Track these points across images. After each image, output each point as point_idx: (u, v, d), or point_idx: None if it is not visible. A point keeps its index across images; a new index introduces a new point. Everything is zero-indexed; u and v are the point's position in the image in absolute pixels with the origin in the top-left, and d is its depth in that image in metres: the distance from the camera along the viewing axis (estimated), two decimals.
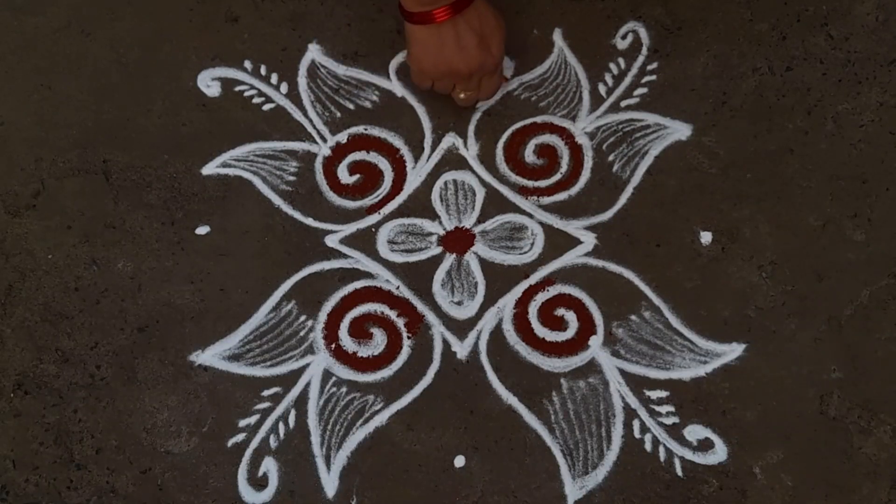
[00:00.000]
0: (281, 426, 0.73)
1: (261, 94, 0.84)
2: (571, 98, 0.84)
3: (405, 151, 0.83)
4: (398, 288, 0.78)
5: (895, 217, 0.79)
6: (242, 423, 0.73)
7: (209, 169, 0.82)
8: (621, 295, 0.77)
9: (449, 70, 0.75)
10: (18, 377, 0.75)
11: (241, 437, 0.72)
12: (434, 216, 0.80)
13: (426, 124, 0.84)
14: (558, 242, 0.79)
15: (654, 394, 0.73)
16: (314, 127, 0.83)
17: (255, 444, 0.72)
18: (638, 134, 0.82)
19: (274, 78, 0.85)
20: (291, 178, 0.82)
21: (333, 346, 0.76)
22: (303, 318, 0.76)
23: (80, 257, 0.78)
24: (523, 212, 0.80)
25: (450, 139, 0.83)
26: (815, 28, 0.86)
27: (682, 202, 0.80)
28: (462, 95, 0.79)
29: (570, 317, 0.76)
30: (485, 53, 0.74)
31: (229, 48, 0.86)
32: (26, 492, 0.71)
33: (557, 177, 0.82)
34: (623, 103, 0.84)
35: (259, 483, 0.71)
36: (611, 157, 0.82)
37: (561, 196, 0.81)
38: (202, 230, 0.80)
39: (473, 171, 0.82)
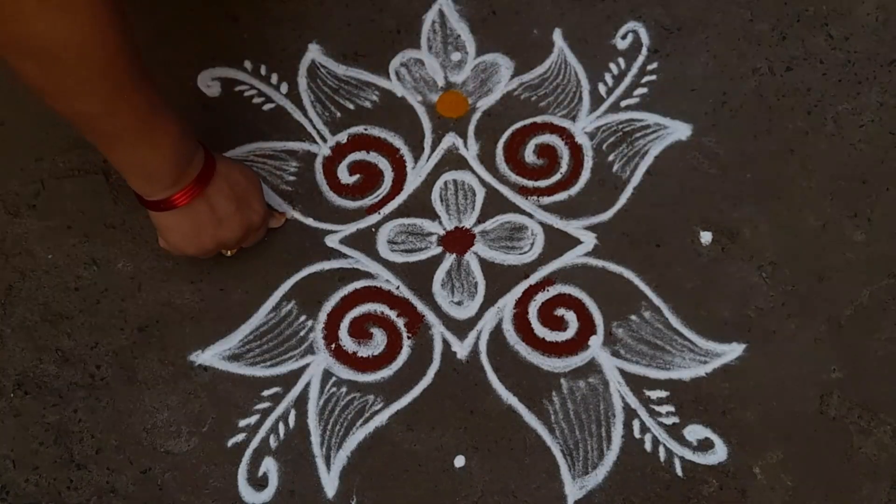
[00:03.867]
0: (281, 426, 0.73)
1: (261, 94, 0.84)
2: (571, 98, 0.84)
3: (405, 151, 0.83)
4: (398, 288, 0.78)
5: (895, 217, 0.79)
6: (242, 423, 0.73)
7: None
8: (621, 295, 0.77)
9: (217, 245, 0.69)
10: (18, 377, 0.75)
11: (241, 437, 0.72)
12: (434, 216, 0.80)
13: (426, 124, 0.84)
14: (558, 242, 0.79)
15: (654, 394, 0.73)
16: (314, 127, 0.83)
17: (255, 444, 0.72)
18: (638, 134, 0.83)
19: (274, 78, 0.85)
20: (291, 178, 0.82)
21: (333, 346, 0.76)
22: (303, 318, 0.76)
23: (80, 257, 0.78)
24: (523, 212, 0.80)
25: (450, 139, 0.83)
26: (815, 28, 0.86)
27: (682, 202, 0.80)
28: (228, 254, 0.75)
29: (570, 317, 0.76)
30: (247, 214, 0.69)
31: (229, 48, 0.86)
32: (26, 492, 0.71)
33: (557, 177, 0.82)
34: (623, 103, 0.84)
35: (259, 483, 0.71)
36: (611, 157, 0.82)
37: (561, 196, 0.81)
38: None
39: (473, 171, 0.82)
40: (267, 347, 0.75)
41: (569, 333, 0.76)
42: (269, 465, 0.71)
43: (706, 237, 0.79)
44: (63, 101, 0.54)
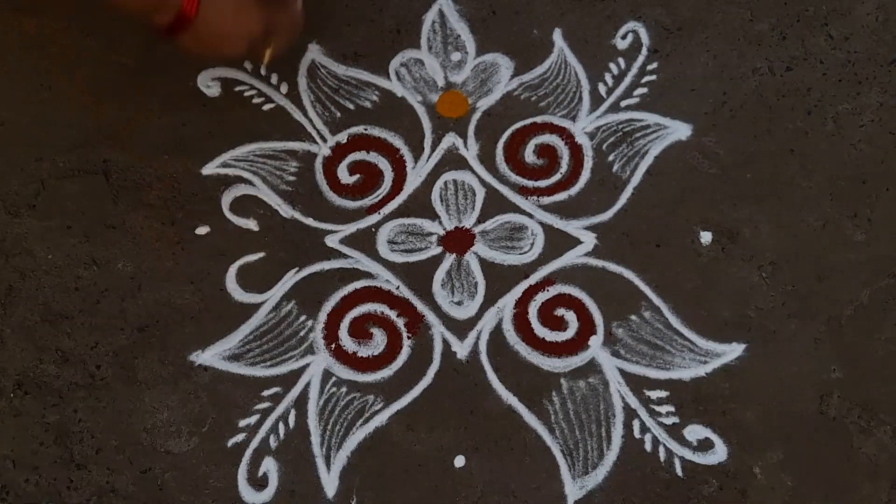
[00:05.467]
0: (281, 426, 0.73)
1: (261, 94, 0.84)
2: (571, 98, 0.84)
3: (405, 151, 0.83)
4: (398, 288, 0.78)
5: (895, 217, 0.79)
6: (242, 423, 0.73)
7: (209, 169, 0.82)
8: (621, 295, 0.77)
9: (231, 55, 0.73)
10: (18, 377, 0.75)
11: (241, 437, 0.72)
12: (434, 216, 0.80)
13: (426, 124, 0.84)
14: (558, 242, 0.79)
15: (654, 394, 0.73)
16: (314, 127, 0.83)
17: (255, 444, 0.72)
18: (638, 134, 0.83)
19: (274, 78, 0.85)
20: (291, 178, 0.82)
21: (333, 346, 0.76)
22: (303, 318, 0.76)
23: (80, 257, 0.78)
24: (523, 212, 0.80)
25: (450, 139, 0.83)
26: (815, 28, 0.86)
27: (682, 202, 0.80)
28: (268, 55, 0.76)
29: (570, 317, 0.76)
30: (245, 28, 0.71)
31: None
32: (26, 492, 0.71)
33: (557, 177, 0.82)
34: (623, 103, 0.84)
35: (259, 483, 0.71)
36: (611, 157, 0.82)
37: (561, 196, 0.81)
38: (202, 230, 0.79)
39: (473, 171, 0.82)
40: (267, 347, 0.75)
41: (569, 333, 0.76)
42: (269, 465, 0.71)
43: (706, 237, 0.79)
44: None
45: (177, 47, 0.71)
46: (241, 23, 0.71)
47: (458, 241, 0.79)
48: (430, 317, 0.77)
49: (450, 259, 0.79)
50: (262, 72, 0.77)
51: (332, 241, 0.79)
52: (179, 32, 0.69)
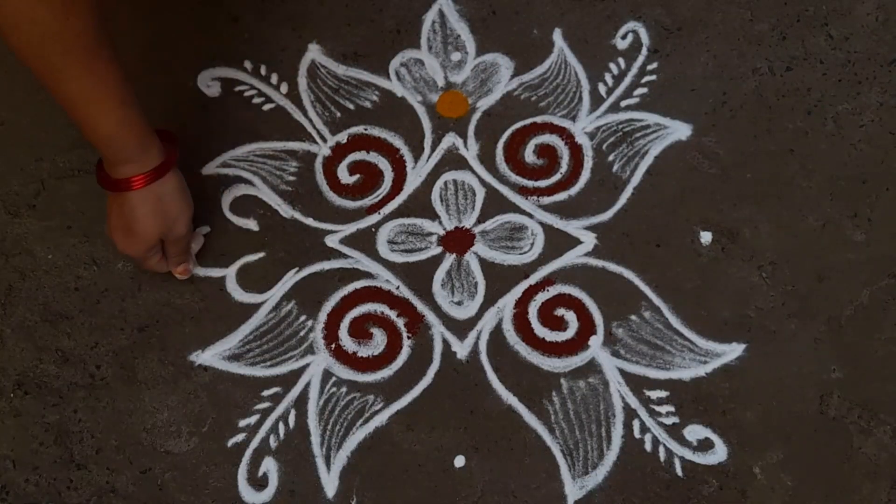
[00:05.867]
0: (281, 426, 0.73)
1: (261, 94, 0.84)
2: (571, 98, 0.84)
3: (405, 151, 0.83)
4: (398, 288, 0.78)
5: (895, 217, 0.79)
6: (242, 423, 0.73)
7: (209, 169, 0.82)
8: (621, 295, 0.77)
9: (149, 237, 0.71)
10: (18, 377, 0.75)
11: (241, 437, 0.72)
12: (434, 216, 0.80)
13: (426, 124, 0.84)
14: (558, 242, 0.79)
15: (654, 394, 0.73)
16: (314, 127, 0.83)
17: (255, 444, 0.72)
18: (638, 134, 0.83)
19: (274, 78, 0.85)
20: (291, 178, 0.82)
21: (333, 346, 0.76)
22: (303, 318, 0.76)
23: (80, 257, 0.78)
24: (523, 212, 0.80)
25: (450, 139, 0.83)
26: (815, 28, 0.86)
27: (682, 202, 0.80)
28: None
29: (570, 317, 0.76)
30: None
31: (229, 48, 0.86)
32: (26, 492, 0.71)
33: (557, 177, 0.82)
34: (623, 103, 0.84)
35: (259, 483, 0.71)
36: (611, 157, 0.82)
37: (561, 196, 0.81)
38: (202, 230, 0.79)
39: (473, 171, 0.82)
40: (267, 347, 0.75)
41: (569, 333, 0.76)
42: (269, 465, 0.71)
43: (706, 237, 0.79)
44: (35, 62, 0.61)
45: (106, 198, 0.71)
46: (175, 218, 0.71)
47: (458, 241, 0.79)
48: (430, 317, 0.77)
49: (450, 259, 0.79)
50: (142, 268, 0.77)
51: (332, 241, 0.79)
52: (115, 191, 0.69)
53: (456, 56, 0.86)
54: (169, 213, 0.71)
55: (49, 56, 0.59)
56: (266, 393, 0.74)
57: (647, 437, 0.72)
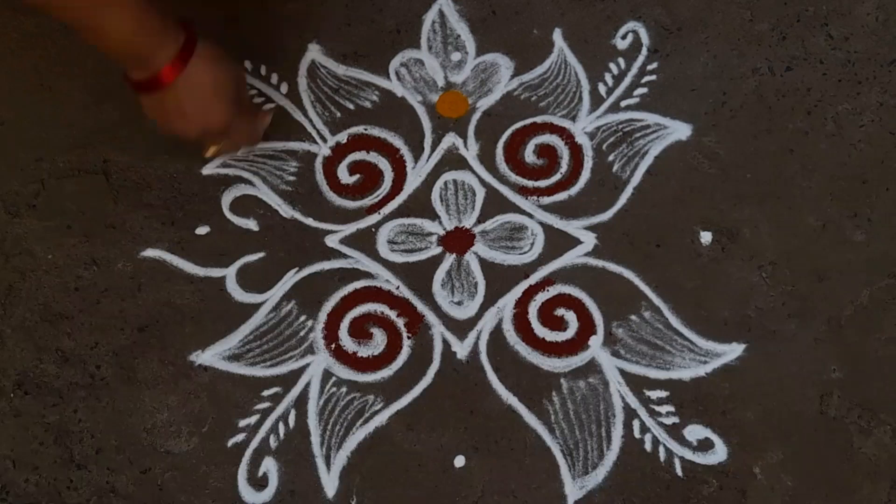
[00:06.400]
0: (281, 426, 0.73)
1: (261, 94, 0.84)
2: (571, 98, 0.84)
3: (405, 151, 0.83)
4: (398, 288, 0.78)
5: (895, 217, 0.79)
6: (242, 423, 0.73)
7: (209, 169, 0.82)
8: (621, 295, 0.77)
9: (172, 132, 0.71)
10: (18, 377, 0.75)
11: (241, 437, 0.72)
12: (434, 216, 0.80)
13: (426, 124, 0.84)
14: (558, 242, 0.79)
15: (654, 394, 0.73)
16: (314, 127, 0.83)
17: (255, 444, 0.72)
18: (638, 134, 0.83)
19: (274, 78, 0.85)
20: (291, 178, 0.82)
21: (333, 346, 0.76)
22: (303, 318, 0.76)
23: (80, 257, 0.78)
24: (523, 212, 0.80)
25: (450, 139, 0.83)
26: (815, 28, 0.86)
27: (682, 202, 0.80)
28: (211, 151, 0.76)
29: (570, 317, 0.76)
30: (204, 119, 0.70)
31: (229, 48, 0.86)
32: (26, 492, 0.71)
33: (557, 177, 0.82)
34: (623, 103, 0.84)
35: (259, 483, 0.71)
36: (611, 157, 0.82)
37: (561, 196, 0.81)
38: (202, 230, 0.79)
39: (473, 171, 0.82)
40: (267, 347, 0.75)
41: (569, 333, 0.76)
42: (269, 465, 0.71)
43: (706, 237, 0.79)
44: None
45: (139, 105, 0.70)
46: (207, 110, 0.70)
47: (458, 241, 0.79)
48: (430, 317, 0.77)
49: (450, 259, 0.79)
50: (205, 156, 0.77)
51: (332, 241, 0.79)
52: (147, 93, 0.68)
53: (456, 56, 0.86)
54: (231, 69, 0.70)
55: None
56: (266, 393, 0.74)
57: (647, 437, 0.72)
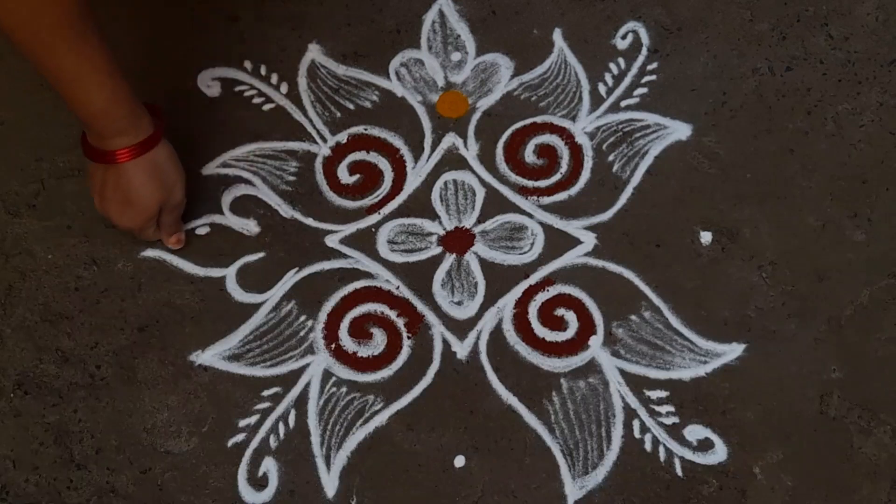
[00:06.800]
0: (281, 426, 0.73)
1: (261, 94, 0.84)
2: (571, 98, 0.84)
3: (405, 151, 0.83)
4: (398, 288, 0.78)
5: (895, 217, 0.79)
6: (242, 423, 0.73)
7: (209, 169, 0.82)
8: (621, 295, 0.77)
9: (143, 210, 0.72)
10: (18, 377, 0.75)
11: (241, 437, 0.72)
12: (434, 216, 0.80)
13: (426, 124, 0.84)
14: (558, 242, 0.79)
15: (654, 394, 0.73)
16: (314, 127, 0.83)
17: (255, 444, 0.72)
18: (638, 134, 0.83)
19: (274, 78, 0.85)
20: (291, 178, 0.82)
21: (333, 346, 0.76)
22: (303, 318, 0.76)
23: (80, 257, 0.78)
24: (523, 212, 0.80)
25: (450, 139, 0.83)
26: (815, 28, 0.86)
27: (682, 202, 0.80)
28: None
29: (570, 317, 0.76)
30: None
31: (229, 48, 0.86)
32: (26, 492, 0.71)
33: (557, 177, 0.82)
34: (623, 103, 0.84)
35: (259, 483, 0.71)
36: (611, 157, 0.82)
37: (561, 196, 0.81)
38: (202, 230, 0.80)
39: (473, 171, 0.82)
40: (267, 347, 0.75)
41: (569, 333, 0.76)
42: (269, 465, 0.71)
43: (706, 237, 0.79)
44: (27, 40, 0.61)
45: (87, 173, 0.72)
46: (140, 202, 0.71)
47: (458, 241, 0.79)
48: (430, 317, 0.77)
49: (450, 259, 0.79)
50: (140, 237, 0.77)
51: (332, 241, 0.79)
52: (96, 162, 0.70)
53: (456, 56, 0.86)
54: (167, 181, 0.72)
55: (40, 32, 0.60)
56: (266, 393, 0.74)
57: (647, 437, 0.72)
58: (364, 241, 0.79)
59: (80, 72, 0.64)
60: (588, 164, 0.82)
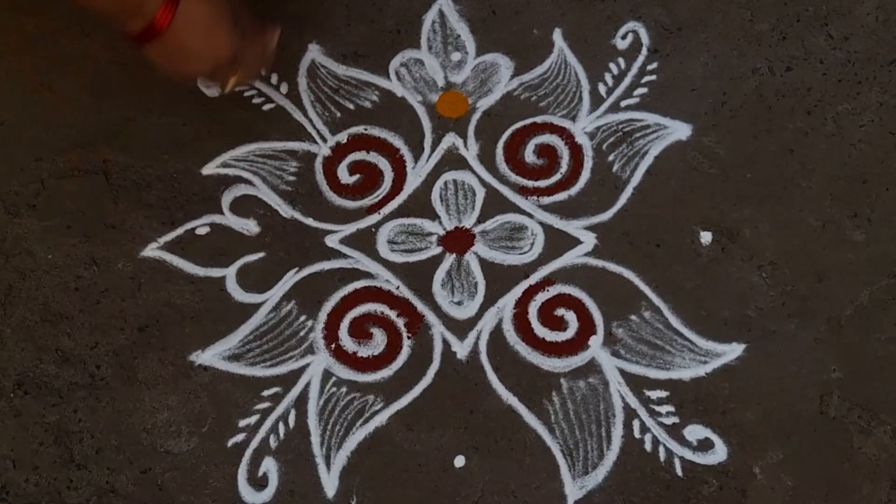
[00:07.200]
0: (281, 426, 0.73)
1: (261, 94, 0.84)
2: (571, 98, 0.84)
3: (405, 151, 0.83)
4: (398, 288, 0.78)
5: (895, 217, 0.79)
6: (242, 423, 0.73)
7: (209, 169, 0.82)
8: (621, 295, 0.77)
9: (190, 75, 0.72)
10: (18, 377, 0.75)
11: (241, 437, 0.72)
12: (434, 216, 0.80)
13: (426, 124, 0.84)
14: (558, 242, 0.79)
15: (654, 394, 0.73)
16: (314, 127, 0.83)
17: (255, 444, 0.72)
18: (638, 134, 0.83)
19: (274, 78, 0.85)
20: (291, 178, 0.82)
21: (333, 346, 0.76)
22: (303, 318, 0.76)
23: (80, 257, 0.78)
24: (523, 212, 0.80)
25: (450, 139, 0.83)
26: (815, 28, 0.86)
27: (682, 202, 0.80)
28: (230, 86, 0.76)
29: (570, 317, 0.76)
30: (213, 52, 0.70)
31: None
32: (26, 492, 0.71)
33: (557, 177, 0.82)
34: (623, 103, 0.84)
35: (259, 483, 0.71)
36: (611, 157, 0.82)
37: (561, 196, 0.81)
38: (202, 230, 0.80)
39: (473, 171, 0.82)
40: (267, 347, 0.75)
41: (569, 333, 0.76)
42: (269, 465, 0.71)
43: (706, 237, 0.79)
44: None
45: (144, 58, 0.70)
46: (211, 44, 0.69)
47: (458, 241, 0.79)
48: (430, 317, 0.77)
49: (450, 259, 0.79)
50: (225, 92, 0.76)
51: (332, 241, 0.79)
52: (148, 43, 0.68)
53: (456, 56, 0.86)
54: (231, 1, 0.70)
55: None
56: (266, 393, 0.74)
57: (647, 437, 0.72)
58: (364, 241, 0.79)
59: None
60: (588, 164, 0.82)
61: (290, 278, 0.78)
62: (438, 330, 0.76)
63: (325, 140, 0.83)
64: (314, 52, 0.86)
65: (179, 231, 0.79)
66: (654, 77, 0.85)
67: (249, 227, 0.80)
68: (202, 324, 0.76)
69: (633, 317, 0.76)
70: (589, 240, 0.79)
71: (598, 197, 0.81)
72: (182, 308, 0.77)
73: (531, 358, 0.75)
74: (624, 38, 0.86)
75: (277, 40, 0.76)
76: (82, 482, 0.71)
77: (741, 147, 0.82)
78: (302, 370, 0.75)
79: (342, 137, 0.83)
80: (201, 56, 0.69)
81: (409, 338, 0.76)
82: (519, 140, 0.83)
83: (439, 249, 0.79)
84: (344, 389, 0.74)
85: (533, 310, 0.77)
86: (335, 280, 0.78)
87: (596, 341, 0.75)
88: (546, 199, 0.81)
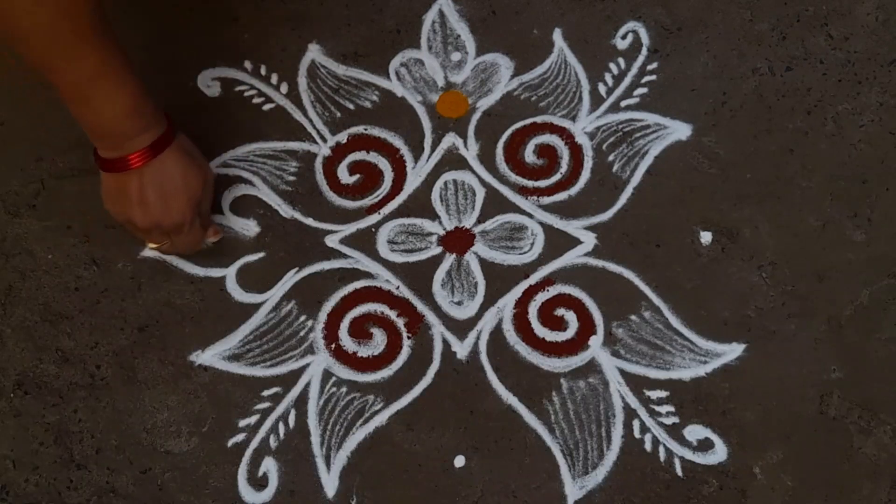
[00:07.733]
0: (281, 426, 0.73)
1: (261, 94, 0.84)
2: (571, 98, 0.84)
3: (405, 151, 0.83)
4: (398, 288, 0.78)
5: (895, 217, 0.79)
6: (242, 423, 0.73)
7: None
8: (621, 295, 0.77)
9: (126, 220, 0.70)
10: (18, 377, 0.75)
11: (241, 437, 0.72)
12: (434, 216, 0.80)
13: (426, 124, 0.84)
14: (558, 242, 0.79)
15: (654, 394, 0.73)
16: (314, 127, 0.83)
17: (255, 444, 0.72)
18: (638, 134, 0.83)
19: (274, 78, 0.85)
20: (291, 178, 0.82)
21: (333, 346, 0.76)
22: (303, 318, 0.76)
23: (80, 257, 0.78)
24: (523, 212, 0.80)
25: (450, 139, 0.83)
26: (815, 28, 0.86)
27: (682, 202, 0.80)
28: (151, 246, 0.76)
29: (570, 317, 0.76)
30: (163, 211, 0.68)
31: (229, 48, 0.86)
32: (26, 492, 0.71)
33: (557, 177, 0.82)
34: (623, 103, 0.84)
35: (259, 483, 0.71)
36: (611, 157, 0.82)
37: (561, 196, 0.81)
38: None
39: (473, 171, 0.82)
40: (267, 347, 0.75)
41: (569, 333, 0.76)
42: (269, 465, 0.71)
43: (706, 237, 0.79)
44: (26, 45, 0.59)
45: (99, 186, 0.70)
46: (165, 205, 0.68)
47: (458, 241, 0.79)
48: (430, 317, 0.77)
49: (450, 259, 0.79)
50: (143, 250, 0.77)
51: (332, 241, 0.79)
52: (110, 172, 0.67)
53: (456, 56, 0.86)
54: (199, 158, 0.70)
55: (61, 36, 0.58)
56: (266, 393, 0.74)
57: (647, 437, 0.72)
58: (364, 241, 0.79)
59: (107, 69, 0.61)
60: (588, 164, 0.82)
61: (290, 278, 0.78)
62: (438, 330, 0.76)
63: (325, 140, 0.83)
64: (314, 52, 0.86)
65: None
66: (654, 77, 0.85)
67: (249, 226, 0.80)
68: (202, 324, 0.76)
69: (633, 317, 0.76)
70: (589, 240, 0.79)
71: (598, 197, 0.81)
72: (182, 308, 0.77)
73: (531, 358, 0.75)
74: (624, 38, 0.86)
75: (214, 242, 0.76)
76: (82, 482, 0.71)
77: (741, 147, 0.82)
78: (302, 370, 0.75)
79: (342, 137, 0.83)
80: (148, 210, 0.68)
81: (409, 338, 0.76)
82: (519, 140, 0.83)
83: (439, 249, 0.79)
84: (344, 389, 0.74)
85: (533, 310, 0.77)
86: (335, 280, 0.78)
87: (596, 341, 0.75)
88: (546, 199, 0.81)
